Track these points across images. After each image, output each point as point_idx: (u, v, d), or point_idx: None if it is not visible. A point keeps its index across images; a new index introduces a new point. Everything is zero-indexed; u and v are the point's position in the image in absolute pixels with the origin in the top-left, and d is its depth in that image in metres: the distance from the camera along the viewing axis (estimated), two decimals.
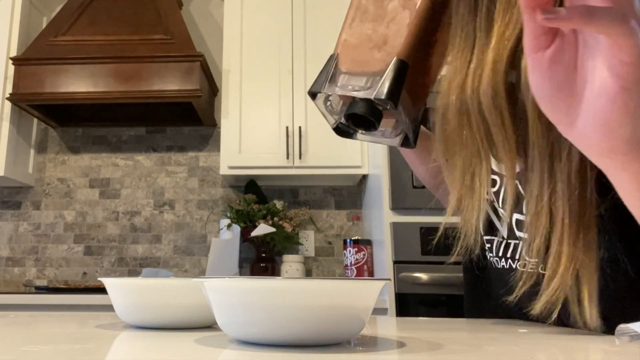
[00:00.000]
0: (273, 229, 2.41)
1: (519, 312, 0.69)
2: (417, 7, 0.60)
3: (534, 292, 0.63)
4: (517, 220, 0.69)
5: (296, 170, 2.44)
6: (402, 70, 0.59)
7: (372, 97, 0.58)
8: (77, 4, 2.53)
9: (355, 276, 2.20)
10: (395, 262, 1.95)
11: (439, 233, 0.72)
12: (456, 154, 0.72)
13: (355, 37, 0.63)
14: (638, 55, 0.35)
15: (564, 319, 0.66)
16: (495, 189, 0.72)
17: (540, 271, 0.62)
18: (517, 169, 0.61)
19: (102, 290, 1.92)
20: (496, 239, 0.73)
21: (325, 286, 0.42)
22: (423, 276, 1.91)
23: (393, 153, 2.01)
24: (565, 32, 0.39)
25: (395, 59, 0.59)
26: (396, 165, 2.02)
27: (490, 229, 0.74)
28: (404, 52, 0.59)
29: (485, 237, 0.75)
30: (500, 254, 0.73)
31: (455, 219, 0.83)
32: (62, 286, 2.17)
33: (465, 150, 0.68)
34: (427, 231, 1.93)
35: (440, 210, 0.77)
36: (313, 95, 0.65)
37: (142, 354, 0.41)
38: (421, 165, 0.90)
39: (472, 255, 0.78)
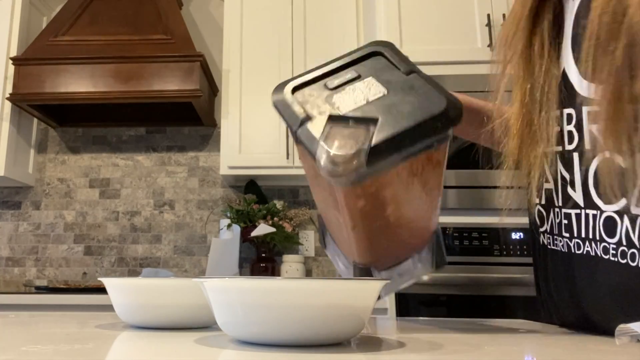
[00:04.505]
0: (273, 229, 2.40)
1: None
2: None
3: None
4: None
5: (296, 170, 2.43)
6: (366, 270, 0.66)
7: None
8: (77, 4, 2.52)
9: None
10: None
11: None
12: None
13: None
14: None
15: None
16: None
17: None
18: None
19: (102, 290, 1.91)
20: (573, 211, 0.57)
21: (325, 286, 0.42)
22: (423, 276, 1.91)
23: None
24: None
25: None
26: None
27: (566, 199, 0.59)
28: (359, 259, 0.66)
29: (565, 211, 0.59)
30: (582, 234, 0.56)
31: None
32: (62, 286, 2.17)
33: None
34: None
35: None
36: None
37: (142, 354, 0.41)
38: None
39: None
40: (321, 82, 0.65)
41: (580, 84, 0.55)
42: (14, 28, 2.54)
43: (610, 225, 0.53)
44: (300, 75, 0.67)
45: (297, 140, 0.61)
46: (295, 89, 0.65)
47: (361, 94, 0.62)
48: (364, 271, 0.65)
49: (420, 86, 0.60)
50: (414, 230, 0.66)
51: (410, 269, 0.69)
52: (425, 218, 0.67)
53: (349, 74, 0.65)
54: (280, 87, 0.66)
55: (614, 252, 0.52)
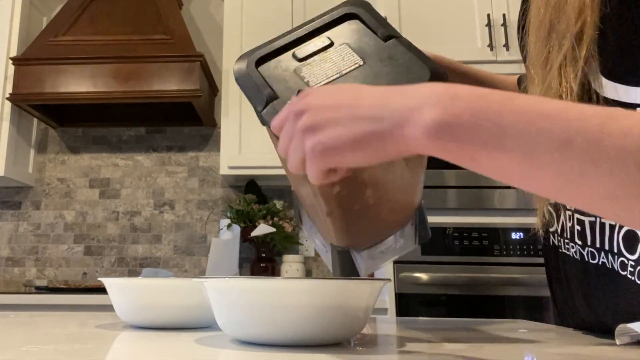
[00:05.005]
0: (273, 229, 2.40)
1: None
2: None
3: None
4: None
5: None
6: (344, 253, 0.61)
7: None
8: (77, 4, 2.52)
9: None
10: (395, 262, 1.95)
11: None
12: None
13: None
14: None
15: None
16: None
17: None
18: None
19: (102, 290, 1.91)
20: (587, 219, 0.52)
21: (325, 286, 0.42)
22: (423, 276, 1.91)
23: None
24: None
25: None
26: None
27: None
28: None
29: (578, 216, 0.54)
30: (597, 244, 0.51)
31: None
32: (62, 286, 2.17)
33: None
34: None
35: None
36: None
37: (142, 354, 0.41)
38: None
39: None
40: (289, 52, 0.59)
41: (601, 84, 0.49)
42: (14, 28, 2.54)
43: (630, 240, 0.47)
44: (267, 44, 0.61)
45: (263, 122, 0.56)
46: (260, 61, 0.59)
47: (334, 65, 0.56)
48: (342, 253, 0.60)
49: (400, 55, 0.55)
50: (396, 209, 0.61)
51: (392, 246, 0.64)
52: (408, 194, 0.61)
53: (320, 41, 0.60)
54: (243, 58, 0.59)
55: (632, 269, 0.47)
